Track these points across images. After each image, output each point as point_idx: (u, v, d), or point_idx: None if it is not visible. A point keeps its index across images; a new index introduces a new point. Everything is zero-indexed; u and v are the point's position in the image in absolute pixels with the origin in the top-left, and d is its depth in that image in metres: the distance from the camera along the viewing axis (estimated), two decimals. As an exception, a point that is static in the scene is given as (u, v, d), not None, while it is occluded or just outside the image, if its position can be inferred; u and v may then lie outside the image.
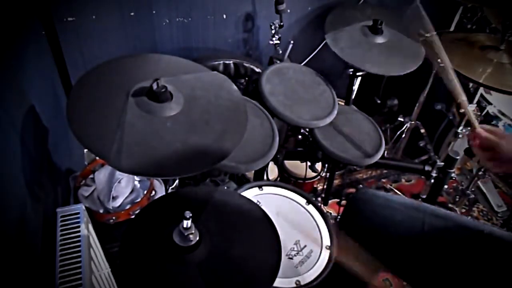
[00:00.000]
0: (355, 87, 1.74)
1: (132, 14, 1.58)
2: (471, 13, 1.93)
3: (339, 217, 1.84)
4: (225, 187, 1.61)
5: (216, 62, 1.72)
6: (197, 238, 0.84)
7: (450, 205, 2.03)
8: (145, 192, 1.48)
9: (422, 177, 2.22)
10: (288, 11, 1.77)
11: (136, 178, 1.54)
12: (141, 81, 0.94)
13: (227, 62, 1.74)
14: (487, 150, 0.95)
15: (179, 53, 1.74)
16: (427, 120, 2.12)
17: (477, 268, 1.02)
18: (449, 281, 1.05)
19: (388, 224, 1.14)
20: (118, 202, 1.46)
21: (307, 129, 1.55)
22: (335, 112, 1.34)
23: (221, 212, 0.96)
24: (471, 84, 1.75)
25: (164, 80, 0.92)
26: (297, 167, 1.86)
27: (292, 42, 1.72)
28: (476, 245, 1.04)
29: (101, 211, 1.43)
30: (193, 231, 0.83)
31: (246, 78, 1.81)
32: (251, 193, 1.19)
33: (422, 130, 2.11)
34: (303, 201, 1.20)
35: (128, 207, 1.45)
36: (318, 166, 1.85)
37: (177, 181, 1.67)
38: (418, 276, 1.11)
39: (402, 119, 2.13)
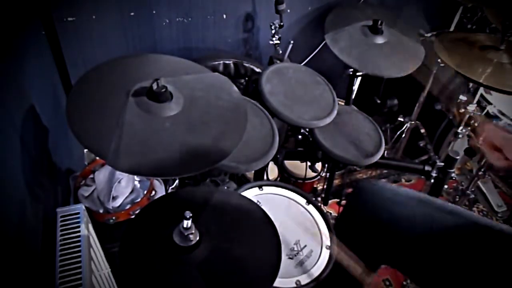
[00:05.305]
0: (355, 87, 1.74)
1: (132, 14, 1.58)
2: (471, 13, 1.93)
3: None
4: (225, 187, 1.61)
5: (216, 62, 1.72)
6: (197, 238, 0.84)
7: (450, 205, 2.02)
8: (145, 192, 1.48)
9: (422, 177, 2.22)
10: (288, 11, 1.77)
11: (136, 178, 1.54)
12: (141, 81, 0.94)
13: (227, 62, 1.74)
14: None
15: (179, 53, 1.75)
16: (427, 120, 2.12)
17: (484, 264, 1.01)
18: (456, 276, 1.04)
19: (395, 217, 1.13)
20: (118, 202, 1.46)
21: (307, 129, 1.55)
22: (335, 112, 1.34)
23: (221, 212, 0.96)
24: (471, 84, 1.76)
25: (164, 80, 0.92)
26: (297, 167, 1.86)
27: (292, 42, 1.72)
28: (484, 241, 1.03)
29: (101, 211, 1.43)
30: (193, 231, 0.83)
31: (246, 78, 1.81)
32: (251, 193, 1.19)
33: (422, 130, 2.11)
34: (303, 201, 1.20)
35: (128, 207, 1.45)
36: (318, 166, 1.85)
37: (177, 181, 1.67)
38: (422, 271, 1.10)
39: (402, 119, 2.13)
